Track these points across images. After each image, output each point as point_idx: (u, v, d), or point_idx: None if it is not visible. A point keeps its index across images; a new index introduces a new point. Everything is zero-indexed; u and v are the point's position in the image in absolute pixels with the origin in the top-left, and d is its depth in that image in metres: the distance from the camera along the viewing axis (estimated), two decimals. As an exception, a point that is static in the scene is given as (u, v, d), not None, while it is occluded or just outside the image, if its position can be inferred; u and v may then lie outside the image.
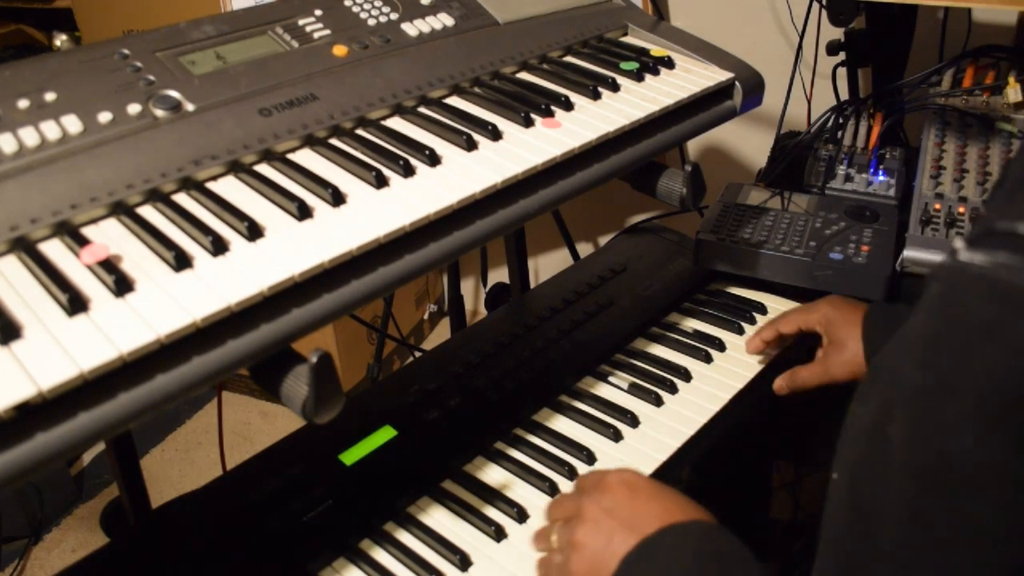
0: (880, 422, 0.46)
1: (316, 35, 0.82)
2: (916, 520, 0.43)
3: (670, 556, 0.56)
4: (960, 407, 0.40)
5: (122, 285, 0.56)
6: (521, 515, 0.79)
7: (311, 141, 0.75)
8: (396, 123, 0.79)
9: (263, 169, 0.71)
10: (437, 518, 0.80)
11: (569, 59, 0.95)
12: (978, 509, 0.41)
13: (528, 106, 0.82)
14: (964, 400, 0.40)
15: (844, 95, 1.39)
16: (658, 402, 0.93)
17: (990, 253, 0.40)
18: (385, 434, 0.88)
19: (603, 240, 2.05)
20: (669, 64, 0.94)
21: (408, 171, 0.71)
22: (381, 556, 0.76)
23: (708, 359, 0.99)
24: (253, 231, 0.63)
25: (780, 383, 0.95)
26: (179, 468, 1.95)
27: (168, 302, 0.56)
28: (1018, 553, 0.40)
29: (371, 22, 0.86)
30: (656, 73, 0.92)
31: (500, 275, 1.86)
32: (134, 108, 0.69)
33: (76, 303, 0.54)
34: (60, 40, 0.74)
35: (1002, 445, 0.39)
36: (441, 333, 2.37)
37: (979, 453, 0.40)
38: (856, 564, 0.47)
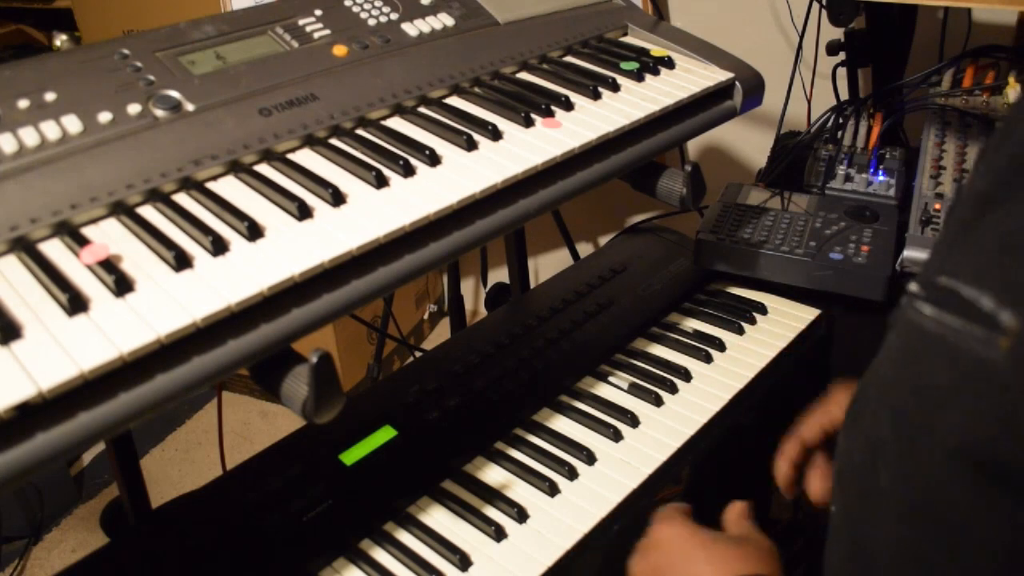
0: (868, 460, 0.46)
1: (316, 35, 0.82)
2: (908, 559, 0.44)
3: None
4: (932, 458, 0.41)
5: (122, 285, 0.56)
6: (521, 515, 0.79)
7: (311, 141, 0.75)
8: (396, 123, 0.79)
9: (263, 169, 0.71)
10: (437, 518, 0.80)
11: (569, 59, 0.95)
12: (967, 549, 0.41)
13: (528, 106, 0.82)
14: (935, 452, 0.41)
15: (844, 95, 1.39)
16: (658, 402, 0.93)
17: (939, 311, 0.40)
18: (385, 434, 0.88)
19: (603, 240, 2.05)
20: (669, 64, 0.94)
21: (408, 171, 0.71)
22: (381, 556, 0.76)
23: (708, 359, 0.99)
24: (253, 231, 0.63)
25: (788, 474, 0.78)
26: (179, 468, 1.95)
27: (168, 302, 0.56)
28: None
29: (371, 22, 0.86)
30: (656, 73, 0.92)
31: (500, 275, 1.85)
32: (134, 108, 0.69)
33: (76, 303, 0.54)
34: (60, 40, 0.74)
35: (979, 492, 0.40)
36: (441, 333, 2.37)
37: (962, 498, 0.40)
38: None
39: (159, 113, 0.70)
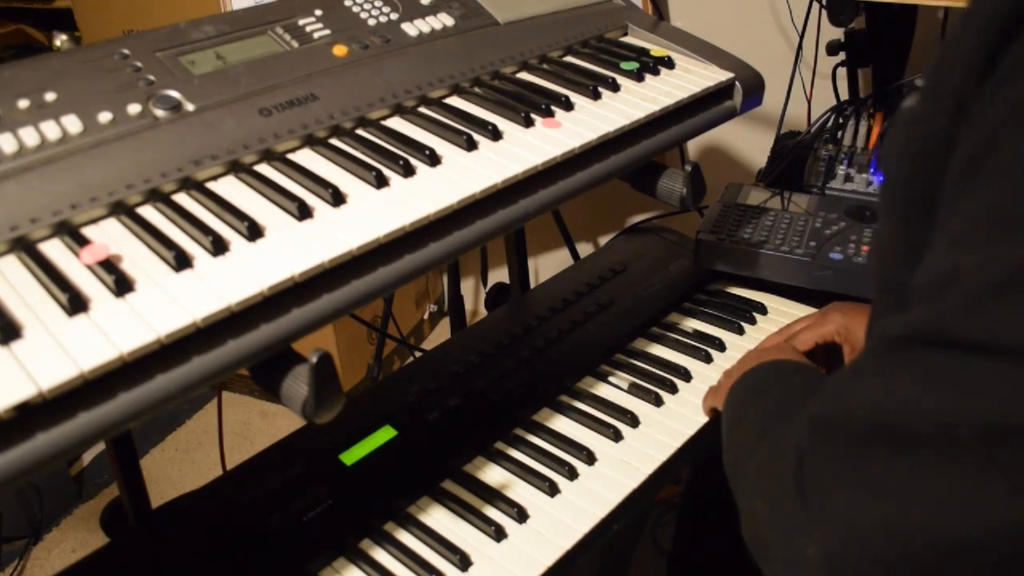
0: None
1: (316, 35, 0.82)
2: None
3: (760, 372, 0.74)
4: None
5: (122, 285, 0.56)
6: (521, 515, 0.79)
7: (311, 141, 0.75)
8: (396, 123, 0.79)
9: (263, 169, 0.71)
10: (437, 518, 0.80)
11: (569, 59, 0.95)
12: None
13: (528, 106, 0.82)
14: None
15: (844, 95, 1.39)
16: (658, 402, 0.93)
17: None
18: (385, 434, 0.88)
19: (603, 240, 2.05)
20: (669, 64, 0.94)
21: (408, 171, 0.71)
22: (381, 556, 0.76)
23: (708, 359, 0.99)
24: (253, 231, 0.63)
25: None
26: (179, 468, 1.95)
27: (168, 302, 0.56)
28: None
29: (371, 22, 0.86)
30: (656, 73, 0.92)
31: (500, 275, 1.85)
32: (134, 108, 0.69)
33: (76, 303, 0.54)
34: (60, 40, 0.74)
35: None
36: (441, 333, 2.37)
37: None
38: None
39: (159, 113, 0.70)
